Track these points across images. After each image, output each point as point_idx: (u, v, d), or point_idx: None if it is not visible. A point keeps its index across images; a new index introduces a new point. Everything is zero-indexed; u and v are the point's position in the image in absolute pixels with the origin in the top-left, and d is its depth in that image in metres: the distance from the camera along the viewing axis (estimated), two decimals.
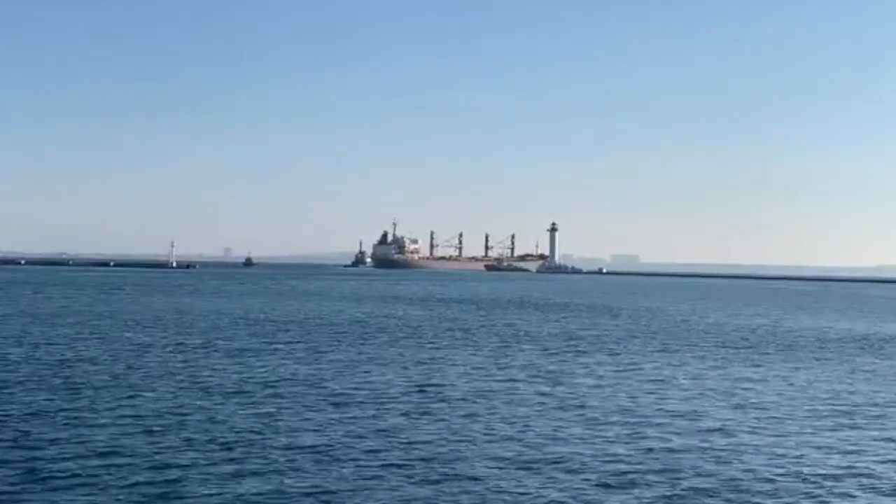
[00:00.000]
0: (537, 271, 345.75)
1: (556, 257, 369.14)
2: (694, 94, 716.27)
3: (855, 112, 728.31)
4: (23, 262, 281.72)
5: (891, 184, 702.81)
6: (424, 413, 24.96)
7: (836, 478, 18.72)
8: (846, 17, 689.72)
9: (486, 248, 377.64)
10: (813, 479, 18.62)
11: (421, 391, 28.94)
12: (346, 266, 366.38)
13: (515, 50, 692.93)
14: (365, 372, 33.39)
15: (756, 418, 25.30)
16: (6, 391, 26.83)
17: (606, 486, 17.63)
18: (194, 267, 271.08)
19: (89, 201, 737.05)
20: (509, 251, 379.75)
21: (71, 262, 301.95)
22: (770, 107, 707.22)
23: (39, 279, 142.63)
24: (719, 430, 23.40)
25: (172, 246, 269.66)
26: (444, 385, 30.56)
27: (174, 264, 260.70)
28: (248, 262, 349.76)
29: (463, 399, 27.55)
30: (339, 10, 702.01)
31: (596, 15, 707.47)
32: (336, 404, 25.86)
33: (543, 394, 29.01)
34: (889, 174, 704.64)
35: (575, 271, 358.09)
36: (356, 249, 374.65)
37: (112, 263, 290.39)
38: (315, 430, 22.10)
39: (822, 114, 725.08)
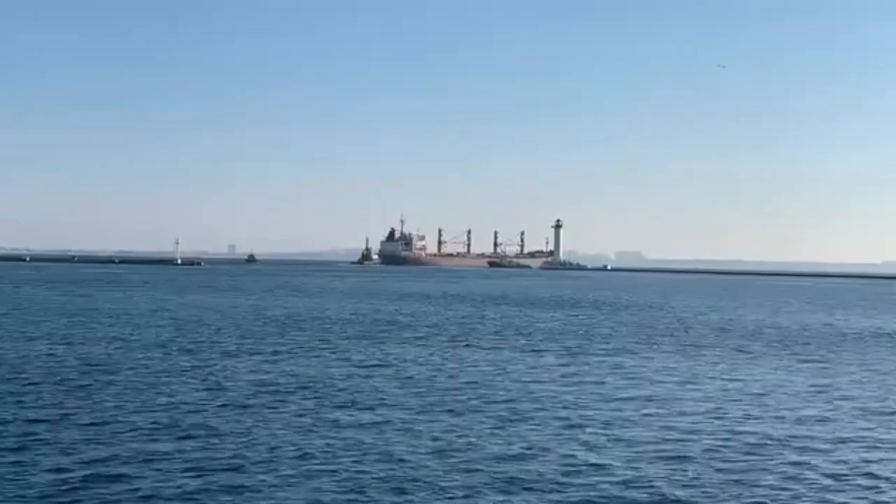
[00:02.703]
0: (541, 268, 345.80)
1: (561, 254, 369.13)
2: (697, 93, 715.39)
3: (860, 109, 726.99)
4: (28, 258, 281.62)
5: (894, 181, 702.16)
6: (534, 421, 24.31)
7: None
8: (847, 16, 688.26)
9: (495, 244, 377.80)
10: None
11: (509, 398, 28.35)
12: (351, 263, 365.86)
13: (518, 50, 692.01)
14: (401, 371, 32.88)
15: None
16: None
17: None
18: (199, 264, 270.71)
19: (94, 199, 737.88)
20: (519, 248, 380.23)
21: (76, 259, 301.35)
22: (770, 106, 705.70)
23: (70, 278, 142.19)
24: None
25: (177, 243, 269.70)
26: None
27: (179, 261, 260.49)
28: (251, 259, 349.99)
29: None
30: (341, 10, 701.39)
31: (598, 14, 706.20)
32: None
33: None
34: (892, 172, 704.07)
35: (579, 268, 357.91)
36: (363, 246, 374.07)
37: (117, 260, 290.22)
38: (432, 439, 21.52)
39: (825, 112, 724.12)
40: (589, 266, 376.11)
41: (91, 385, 28.03)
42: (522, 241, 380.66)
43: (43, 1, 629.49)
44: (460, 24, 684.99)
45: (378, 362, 35.88)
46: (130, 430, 21.30)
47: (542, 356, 39.63)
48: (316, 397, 26.74)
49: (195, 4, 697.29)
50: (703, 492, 17.29)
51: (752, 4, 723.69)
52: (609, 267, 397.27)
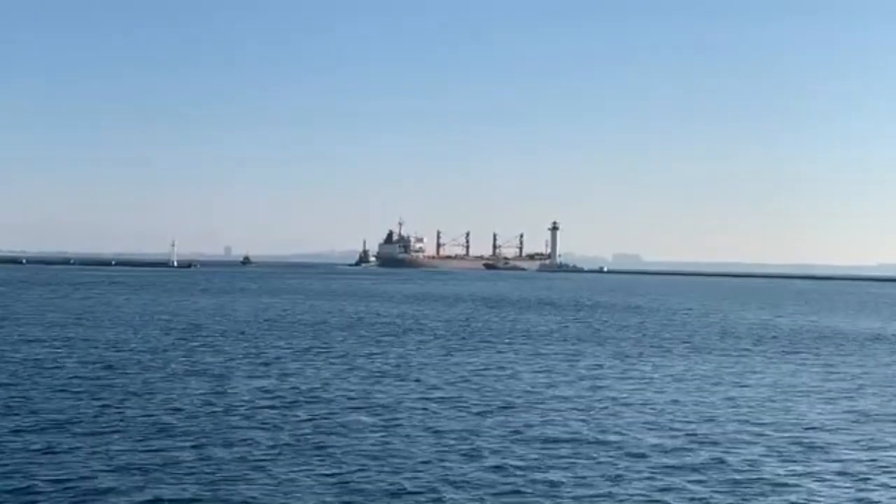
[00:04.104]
0: (538, 270, 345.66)
1: (558, 256, 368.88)
2: (695, 94, 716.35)
3: (860, 109, 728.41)
4: (24, 261, 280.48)
5: (891, 183, 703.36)
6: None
7: None
8: (847, 16, 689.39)
9: (494, 247, 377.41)
10: None
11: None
12: (349, 265, 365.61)
13: (518, 50, 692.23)
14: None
15: None
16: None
17: None
18: (195, 266, 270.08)
19: (90, 201, 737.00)
20: (518, 250, 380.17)
21: (73, 262, 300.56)
22: (770, 106, 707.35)
23: (86, 280, 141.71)
24: None
25: (173, 245, 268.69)
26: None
27: (175, 263, 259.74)
28: (246, 261, 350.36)
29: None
30: (341, 10, 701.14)
31: (598, 15, 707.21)
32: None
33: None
34: (889, 173, 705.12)
35: (576, 270, 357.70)
36: (361, 248, 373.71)
37: (114, 262, 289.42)
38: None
39: (825, 112, 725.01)
40: (586, 268, 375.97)
41: (87, 391, 27.75)
42: (521, 243, 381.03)
43: (43, 1, 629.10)
44: (460, 24, 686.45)
45: (377, 367, 35.59)
46: (135, 437, 21.05)
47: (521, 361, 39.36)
48: (319, 405, 26.45)
49: (196, 4, 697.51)
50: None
51: (752, 4, 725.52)
52: (605, 269, 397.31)
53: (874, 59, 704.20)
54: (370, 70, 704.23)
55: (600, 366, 37.53)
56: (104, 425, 22.14)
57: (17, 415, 23.29)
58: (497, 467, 18.94)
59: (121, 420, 22.89)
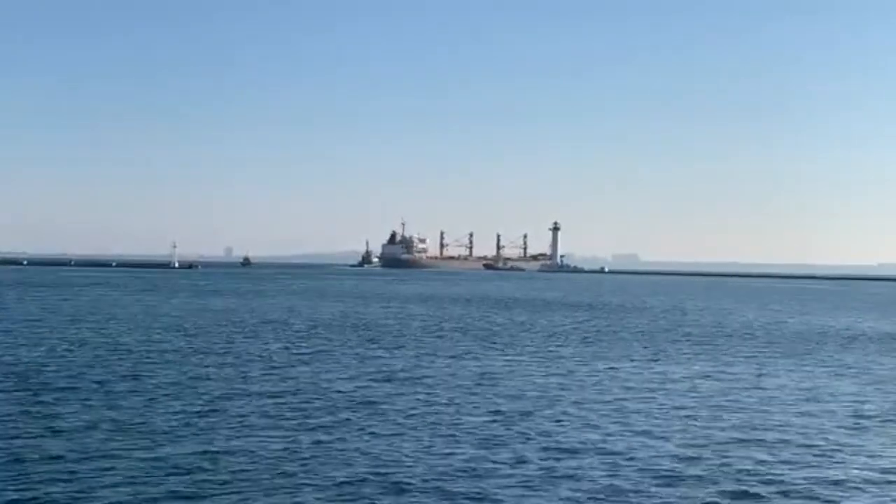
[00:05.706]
0: (539, 270, 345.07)
1: (560, 256, 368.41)
2: (695, 94, 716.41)
3: (860, 109, 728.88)
4: (25, 262, 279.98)
5: (891, 183, 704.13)
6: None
7: None
8: (847, 16, 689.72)
9: (498, 247, 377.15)
10: None
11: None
12: (351, 266, 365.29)
13: (518, 50, 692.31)
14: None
15: None
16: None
17: None
18: (196, 268, 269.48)
19: (90, 201, 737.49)
20: (522, 250, 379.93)
21: (73, 263, 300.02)
22: (770, 107, 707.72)
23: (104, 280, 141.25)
24: None
25: (174, 246, 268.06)
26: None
27: (176, 265, 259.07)
28: (246, 262, 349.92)
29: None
30: (341, 10, 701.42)
31: (598, 15, 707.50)
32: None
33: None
34: (889, 173, 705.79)
35: (577, 270, 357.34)
36: (364, 249, 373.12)
37: (114, 264, 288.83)
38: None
39: (825, 112, 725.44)
40: (586, 269, 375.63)
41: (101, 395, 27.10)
42: (525, 243, 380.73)
43: (43, 1, 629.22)
44: (460, 24, 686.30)
45: (387, 370, 34.96)
46: (140, 440, 20.41)
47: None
48: (328, 407, 25.79)
49: (195, 4, 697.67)
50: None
51: (752, 4, 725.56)
52: (606, 269, 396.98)
53: (874, 59, 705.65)
54: (370, 70, 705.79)
55: (614, 368, 36.93)
56: (112, 430, 21.53)
57: (19, 417, 22.69)
58: (509, 471, 18.34)
59: (127, 424, 22.27)
